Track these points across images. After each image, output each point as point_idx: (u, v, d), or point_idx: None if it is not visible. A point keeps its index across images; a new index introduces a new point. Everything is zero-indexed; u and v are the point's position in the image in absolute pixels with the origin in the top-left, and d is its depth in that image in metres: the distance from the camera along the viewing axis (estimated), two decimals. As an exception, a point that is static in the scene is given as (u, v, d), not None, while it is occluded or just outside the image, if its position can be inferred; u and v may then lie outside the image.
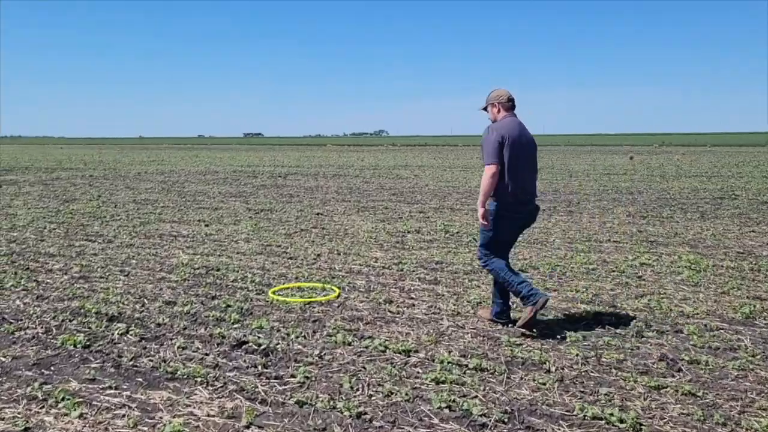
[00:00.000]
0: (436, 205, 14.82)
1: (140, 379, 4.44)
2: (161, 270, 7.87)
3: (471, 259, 8.49)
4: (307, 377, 4.41)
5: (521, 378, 4.39)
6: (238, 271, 7.75)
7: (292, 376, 4.45)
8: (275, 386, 4.29)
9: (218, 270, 7.80)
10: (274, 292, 6.71)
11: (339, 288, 6.88)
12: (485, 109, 5.60)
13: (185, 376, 4.45)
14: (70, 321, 5.71)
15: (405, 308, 6.14)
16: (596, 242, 9.86)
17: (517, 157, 5.19)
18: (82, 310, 6.02)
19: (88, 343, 5.11)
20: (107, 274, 7.63)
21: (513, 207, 5.27)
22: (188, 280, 7.30)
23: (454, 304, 6.26)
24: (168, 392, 4.22)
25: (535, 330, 5.29)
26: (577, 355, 4.78)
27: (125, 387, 4.32)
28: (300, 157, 46.05)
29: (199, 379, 4.39)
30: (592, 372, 4.49)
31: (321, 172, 27.42)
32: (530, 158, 5.40)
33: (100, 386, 4.32)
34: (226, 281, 7.25)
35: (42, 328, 5.52)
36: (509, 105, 5.43)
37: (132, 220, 12.18)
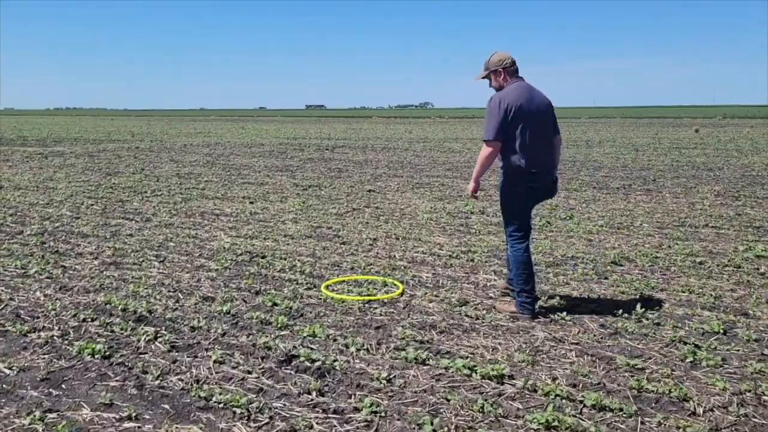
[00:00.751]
0: (496, 181, 13.66)
1: (167, 406, 3.54)
2: (200, 255, 7.01)
3: (551, 247, 7.37)
4: (375, 412, 3.44)
5: (660, 424, 3.31)
6: (285, 259, 6.82)
7: (356, 409, 3.49)
8: (335, 426, 3.33)
9: (263, 257, 6.89)
10: (327, 287, 5.76)
11: (402, 283, 5.88)
12: (486, 77, 4.99)
13: (221, 405, 3.53)
14: (92, 321, 4.86)
15: (484, 311, 5.11)
16: (692, 228, 8.61)
17: (529, 128, 4.73)
18: (107, 307, 5.17)
19: (108, 352, 4.24)
20: (141, 259, 6.79)
21: (527, 179, 4.83)
22: (229, 269, 6.41)
23: (544, 307, 5.20)
24: (199, 428, 3.30)
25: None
26: (724, 388, 3.68)
27: (147, 417, 3.43)
28: (346, 129, 45.09)
29: (238, 411, 3.46)
30: (755, 416, 3.39)
31: (369, 145, 26.39)
32: (545, 126, 4.87)
33: (117, 415, 3.43)
34: (272, 271, 6.33)
35: (59, 329, 4.68)
36: (514, 69, 4.89)
37: (173, 196, 11.40)
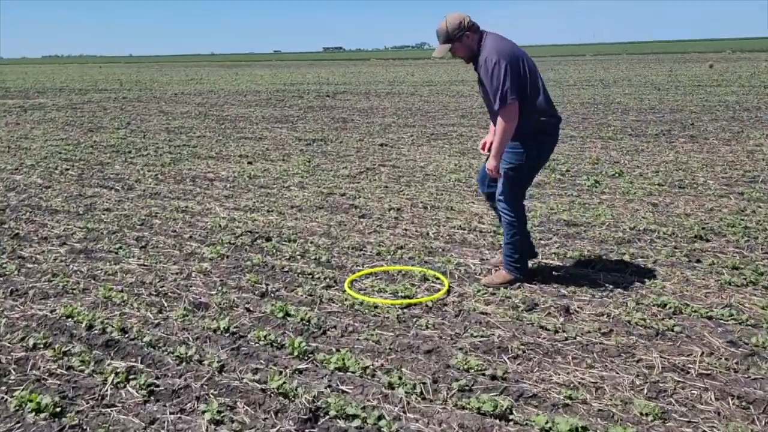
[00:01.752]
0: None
1: None
2: (191, 237, 5.75)
3: (614, 217, 6.11)
4: None
5: None
6: (294, 241, 5.57)
7: None
8: None
9: (268, 239, 5.63)
10: (351, 284, 4.53)
11: (444, 275, 4.65)
12: (451, 49, 4.24)
13: None
14: (45, 348, 3.64)
15: (564, 319, 3.89)
16: (766, 184, 7.33)
17: (538, 76, 4.21)
18: (68, 324, 3.94)
19: (58, 408, 3.02)
20: (118, 245, 5.54)
21: (553, 132, 4.31)
22: (227, 258, 5.17)
23: (638, 308, 3.99)
24: None
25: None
26: None
27: None
28: (345, 73, 43.18)
29: None
30: None
31: (371, 90, 24.80)
32: (534, 68, 4.26)
33: None
34: (280, 260, 5.09)
35: (-1, 363, 3.46)
36: (477, 25, 4.22)
37: (161, 156, 10.06)
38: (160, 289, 4.52)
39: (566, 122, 12.99)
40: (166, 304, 4.25)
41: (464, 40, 4.13)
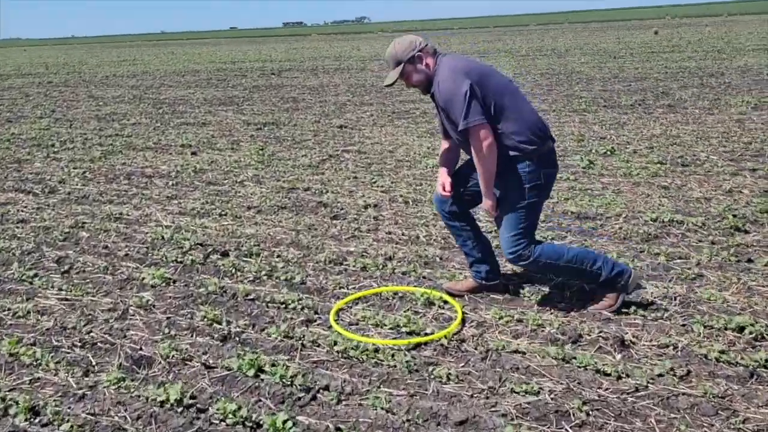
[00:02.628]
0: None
1: None
2: (127, 256, 4.65)
3: (628, 207, 5.28)
4: None
5: None
6: (258, 255, 4.54)
7: None
8: None
9: (224, 254, 4.58)
10: (338, 316, 3.55)
11: (454, 299, 3.71)
12: (402, 73, 3.47)
13: None
14: None
15: (621, 355, 3.01)
16: (782, 160, 6.63)
17: (505, 86, 3.43)
18: (-45, 402, 2.84)
19: None
20: (33, 270, 4.41)
21: (547, 155, 3.43)
22: (175, 284, 4.11)
23: (709, 334, 3.14)
24: None
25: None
26: None
27: None
28: (288, 49, 41.54)
29: None
30: None
31: (318, 66, 23.54)
32: (507, 80, 3.52)
33: None
34: (242, 283, 4.06)
35: None
36: (432, 48, 3.51)
37: (90, 149, 8.78)
38: (87, 336, 3.45)
39: (532, 95, 12.20)
40: (94, 362, 3.19)
41: (417, 63, 3.41)
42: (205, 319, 3.57)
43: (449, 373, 2.93)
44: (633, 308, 3.47)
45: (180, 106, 13.24)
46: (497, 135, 3.32)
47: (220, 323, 3.52)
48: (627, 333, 3.23)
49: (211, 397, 2.83)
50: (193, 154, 8.19)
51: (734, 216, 4.88)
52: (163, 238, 4.98)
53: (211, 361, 3.14)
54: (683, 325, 3.31)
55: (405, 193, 5.94)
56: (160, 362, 3.15)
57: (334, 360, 3.11)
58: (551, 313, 3.49)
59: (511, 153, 3.33)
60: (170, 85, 18.21)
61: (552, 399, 2.71)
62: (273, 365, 3.04)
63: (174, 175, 7.08)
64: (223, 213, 5.59)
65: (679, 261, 4.15)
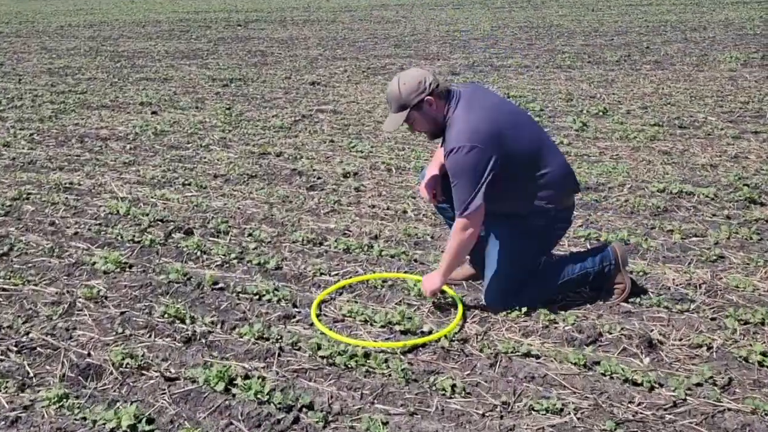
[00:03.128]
0: (466, 60, 10.83)
1: None
2: (77, 235, 4.11)
3: (633, 175, 4.86)
4: None
5: None
6: (227, 234, 4.03)
7: None
8: None
9: (188, 233, 4.07)
10: (320, 310, 3.09)
11: (451, 288, 3.27)
12: (408, 120, 2.95)
13: None
14: None
15: (649, 359, 2.62)
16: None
17: (536, 140, 2.93)
18: None
19: None
20: (-33, 255, 3.84)
21: (565, 211, 3.05)
22: (131, 270, 3.60)
23: (745, 331, 2.76)
24: None
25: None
26: None
27: None
28: (254, -2, 39.90)
29: None
30: None
31: (287, 17, 22.53)
32: (537, 129, 3.04)
33: None
34: (209, 268, 3.57)
35: None
36: (443, 88, 2.92)
37: (40, 107, 8.04)
38: (25, 339, 2.93)
39: (512, 49, 11.68)
40: (32, 373, 2.69)
41: (425, 108, 2.86)
42: (166, 316, 3.08)
43: (454, 385, 2.50)
44: (655, 298, 3.06)
45: (140, 59, 12.40)
46: (515, 195, 2.91)
47: (183, 321, 3.04)
48: (653, 330, 2.83)
49: (172, 421, 2.37)
50: (154, 113, 7.54)
51: (746, 186, 4.50)
52: (118, 212, 4.44)
53: (172, 371, 2.67)
54: (713, 319, 2.93)
55: (387, 160, 5.44)
56: (111, 372, 2.67)
57: (318, 368, 2.66)
58: (562, 306, 3.08)
59: (526, 211, 2.95)
60: (129, 36, 17.20)
61: (579, 419, 2.30)
62: (246, 377, 2.58)
63: (132, 137, 6.46)
64: (186, 182, 5.03)
65: (695, 239, 3.76)
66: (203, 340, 2.87)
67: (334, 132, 6.43)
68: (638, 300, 3.07)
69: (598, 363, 2.61)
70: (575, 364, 2.59)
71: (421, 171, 3.23)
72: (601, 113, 6.78)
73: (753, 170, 4.88)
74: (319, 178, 5.05)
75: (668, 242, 3.72)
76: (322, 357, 2.69)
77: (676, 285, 3.20)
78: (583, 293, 3.18)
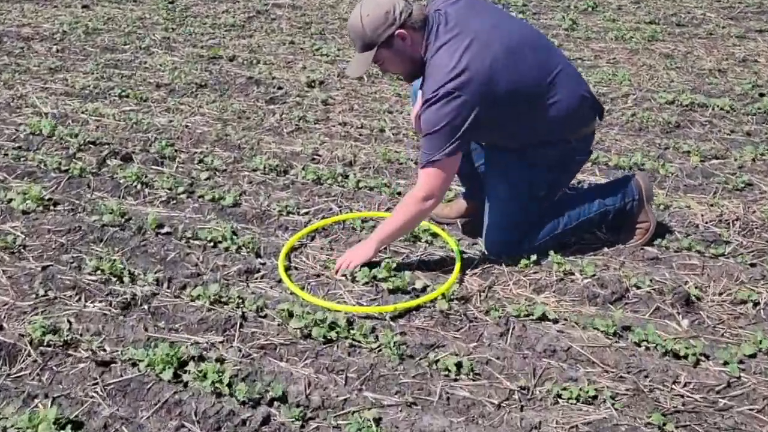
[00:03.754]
0: None
1: None
2: (-10, 163, 3.43)
3: (634, 81, 4.32)
4: None
5: None
6: (172, 159, 3.41)
7: None
8: None
9: (126, 159, 3.43)
10: (289, 261, 2.56)
11: (447, 234, 2.76)
12: (375, 60, 2.35)
13: None
14: None
15: (688, 321, 2.19)
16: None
17: (541, 70, 2.32)
18: None
19: None
20: None
21: (585, 139, 2.50)
22: (56, 208, 2.98)
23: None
24: None
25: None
26: None
27: None
28: None
29: None
30: None
31: None
32: (545, 52, 2.39)
33: None
34: (152, 204, 2.97)
35: None
36: (419, 17, 2.30)
37: (-49, 1, 6.95)
38: None
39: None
40: (-73, 357, 2.12)
41: (397, 44, 2.28)
42: (99, 272, 2.51)
43: (459, 363, 2.03)
44: (684, 240, 2.61)
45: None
46: (517, 130, 2.38)
47: (120, 278, 2.47)
48: (687, 283, 2.39)
49: (105, 426, 1.86)
50: (85, 7, 6.56)
51: (763, 96, 4.02)
52: (41, 132, 3.73)
53: (107, 350, 2.13)
54: (752, 265, 2.50)
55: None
56: (28, 354, 2.12)
57: (291, 342, 2.16)
58: (576, 250, 2.60)
59: (535, 142, 2.42)
60: None
61: (619, 411, 1.87)
62: (201, 359, 2.06)
63: (59, 37, 5.57)
64: (124, 93, 4.30)
65: (716, 162, 3.29)
66: (145, 306, 2.33)
67: (294, 31, 5.65)
68: (664, 242, 2.61)
69: (629, 329, 2.16)
70: (603, 332, 2.14)
71: (413, 92, 2.63)
72: (590, 8, 6.12)
73: (766, 77, 4.38)
74: (279, 88, 4.37)
75: (687, 167, 3.24)
76: (296, 329, 2.18)
77: (706, 222, 2.75)
78: (598, 234, 2.70)
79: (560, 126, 2.37)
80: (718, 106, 3.87)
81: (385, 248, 2.59)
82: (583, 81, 2.47)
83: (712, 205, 2.87)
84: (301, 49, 5.19)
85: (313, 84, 4.42)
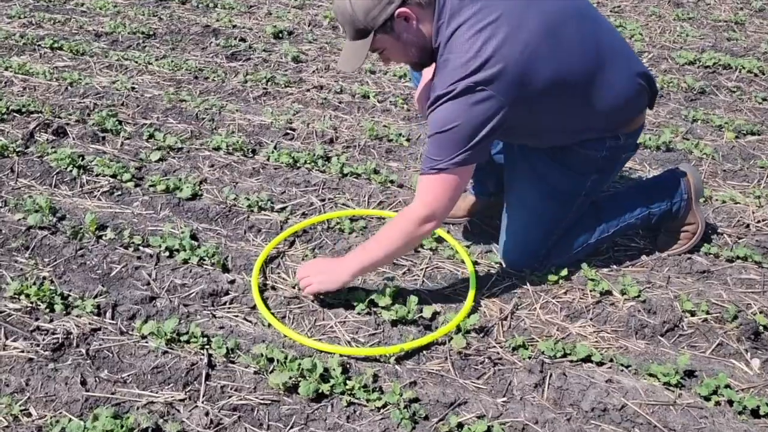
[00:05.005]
0: None
1: None
2: None
3: (647, 36, 3.83)
4: None
5: None
6: (115, 133, 2.86)
7: None
8: None
9: (59, 133, 2.84)
10: (263, 276, 2.07)
11: (453, 238, 2.29)
12: (373, 49, 1.82)
13: None
14: None
15: (762, 364, 1.79)
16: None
17: (583, 60, 1.79)
18: None
19: None
20: None
21: (635, 134, 2.00)
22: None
23: None
24: None
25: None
26: None
27: None
28: None
29: None
30: None
31: None
32: (594, 31, 1.84)
33: None
34: (90, 197, 2.43)
35: None
36: None
37: None
38: None
39: None
40: None
41: (399, 27, 1.75)
42: (23, 298, 1.98)
43: (488, 429, 1.60)
44: (738, 248, 2.19)
45: None
46: (556, 127, 1.89)
47: (51, 307, 1.95)
48: (750, 306, 1.98)
49: None
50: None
51: None
52: (-46, 97, 3.09)
53: (32, 415, 1.64)
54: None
55: (330, 12, 4.15)
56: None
57: (273, 401, 1.69)
58: (608, 259, 2.17)
59: (577, 142, 1.93)
60: None
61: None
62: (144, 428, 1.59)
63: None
64: (56, 45, 3.65)
65: (753, 139, 2.87)
66: (83, 349, 1.82)
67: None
68: (713, 249, 2.19)
69: (692, 374, 1.76)
70: (665, 383, 1.72)
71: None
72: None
73: (788, 30, 3.94)
74: (242, 40, 3.76)
75: (722, 145, 2.81)
76: (268, 390, 1.71)
77: (757, 222, 2.34)
78: (632, 236, 2.27)
79: (609, 120, 1.89)
80: (744, 67, 3.42)
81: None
82: (635, 56, 1.98)
83: (758, 197, 2.45)
84: (266, -10, 4.53)
85: (280, 35, 3.82)
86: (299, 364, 1.72)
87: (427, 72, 1.98)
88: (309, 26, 3.97)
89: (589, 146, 1.92)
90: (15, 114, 2.98)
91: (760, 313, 1.95)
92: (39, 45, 3.66)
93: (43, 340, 1.85)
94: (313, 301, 2.00)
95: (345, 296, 1.98)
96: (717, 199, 2.46)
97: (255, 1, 4.34)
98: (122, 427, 1.56)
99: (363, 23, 1.72)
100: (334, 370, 1.73)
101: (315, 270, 1.94)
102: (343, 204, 2.43)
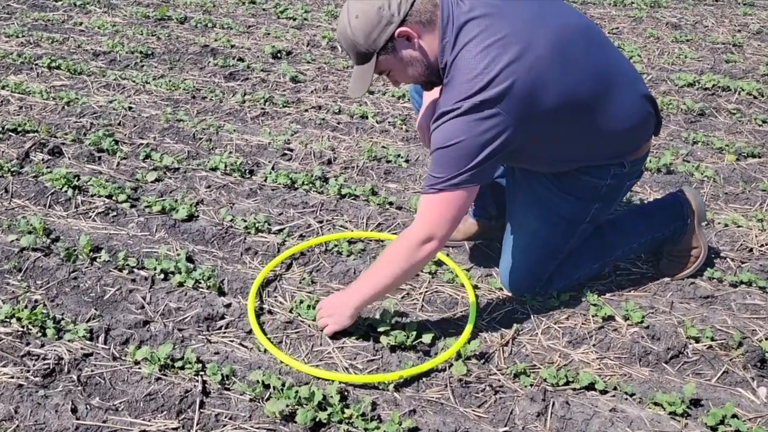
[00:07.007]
0: None
1: None
2: None
3: (644, 57, 3.83)
4: None
5: None
6: (111, 153, 2.84)
7: None
8: None
9: (55, 152, 2.80)
10: (260, 300, 2.03)
11: (453, 262, 2.26)
12: (378, 71, 1.79)
13: None
14: None
15: (768, 395, 1.76)
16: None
17: (593, 82, 1.77)
18: None
19: None
20: None
21: (640, 161, 1.97)
22: (-40, 227, 2.37)
23: None
24: None
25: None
26: None
27: None
28: None
29: None
30: None
31: None
32: (602, 53, 1.83)
33: None
34: (85, 218, 2.40)
35: None
36: (428, 9, 1.71)
37: None
38: None
39: None
40: None
41: (401, 48, 1.72)
42: (14, 322, 1.94)
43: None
44: (742, 273, 2.16)
45: None
46: (560, 154, 1.87)
47: (43, 329, 1.91)
48: (755, 332, 1.95)
49: None
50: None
51: (789, 78, 3.58)
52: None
53: (20, 446, 1.59)
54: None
55: (329, 31, 4.15)
56: None
57: (269, 430, 1.65)
58: (610, 283, 2.14)
59: (581, 168, 1.90)
60: None
61: None
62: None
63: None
64: (54, 64, 3.63)
65: (754, 162, 2.85)
66: (74, 375, 1.78)
67: (254, -12, 4.96)
68: (716, 273, 2.16)
69: (698, 403, 1.72)
70: (670, 413, 1.68)
71: (412, 89, 2.09)
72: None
73: (786, 53, 3.95)
74: (240, 59, 3.75)
75: (723, 168, 2.79)
76: (274, 412, 1.67)
77: (760, 246, 2.31)
78: (635, 260, 2.25)
79: (615, 146, 1.87)
80: (743, 89, 3.41)
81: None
82: (641, 80, 1.96)
83: (761, 220, 2.43)
84: (264, 10, 4.54)
85: (279, 55, 3.82)
86: (296, 392, 1.68)
87: (428, 97, 1.95)
88: (307, 46, 3.97)
89: (593, 173, 1.89)
90: (11, 133, 2.95)
91: (766, 339, 1.91)
92: (36, 64, 3.64)
93: (34, 365, 1.81)
94: (309, 326, 1.96)
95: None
96: (719, 223, 2.43)
97: (253, 21, 4.34)
98: (113, 457, 1.51)
99: (365, 47, 1.70)
100: (332, 397, 1.69)
101: (326, 310, 1.91)
102: (341, 226, 2.40)
